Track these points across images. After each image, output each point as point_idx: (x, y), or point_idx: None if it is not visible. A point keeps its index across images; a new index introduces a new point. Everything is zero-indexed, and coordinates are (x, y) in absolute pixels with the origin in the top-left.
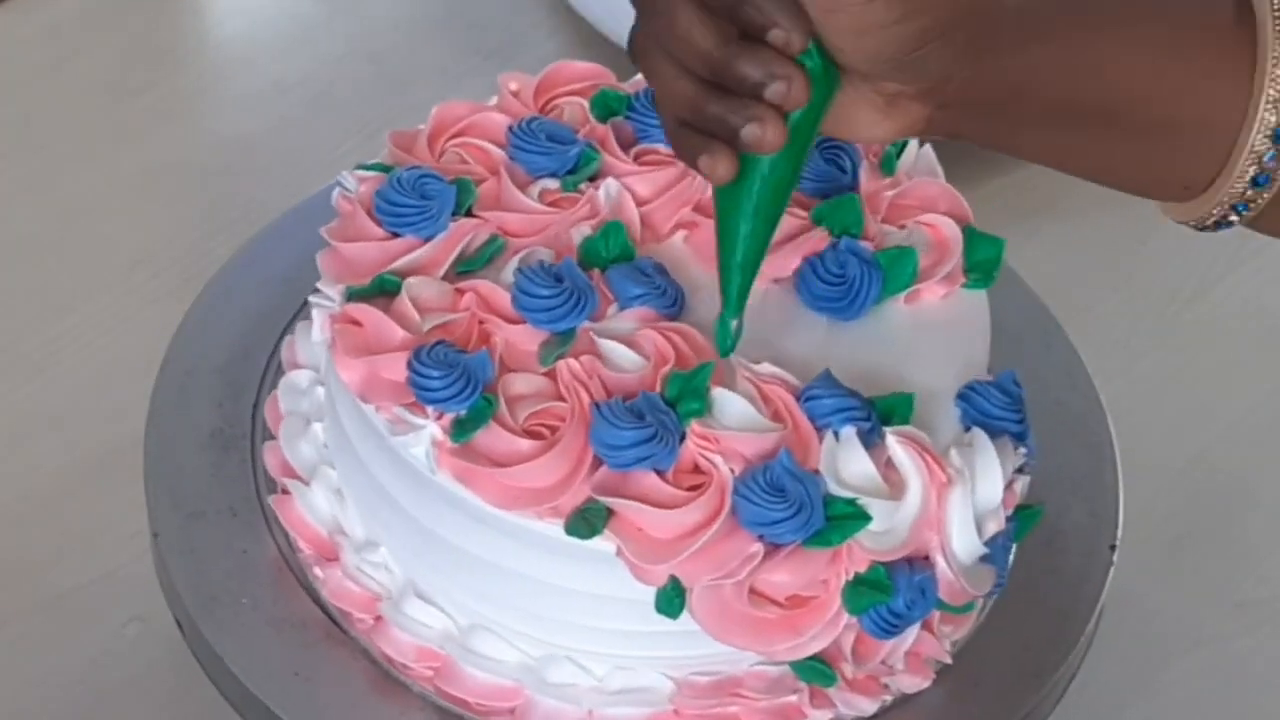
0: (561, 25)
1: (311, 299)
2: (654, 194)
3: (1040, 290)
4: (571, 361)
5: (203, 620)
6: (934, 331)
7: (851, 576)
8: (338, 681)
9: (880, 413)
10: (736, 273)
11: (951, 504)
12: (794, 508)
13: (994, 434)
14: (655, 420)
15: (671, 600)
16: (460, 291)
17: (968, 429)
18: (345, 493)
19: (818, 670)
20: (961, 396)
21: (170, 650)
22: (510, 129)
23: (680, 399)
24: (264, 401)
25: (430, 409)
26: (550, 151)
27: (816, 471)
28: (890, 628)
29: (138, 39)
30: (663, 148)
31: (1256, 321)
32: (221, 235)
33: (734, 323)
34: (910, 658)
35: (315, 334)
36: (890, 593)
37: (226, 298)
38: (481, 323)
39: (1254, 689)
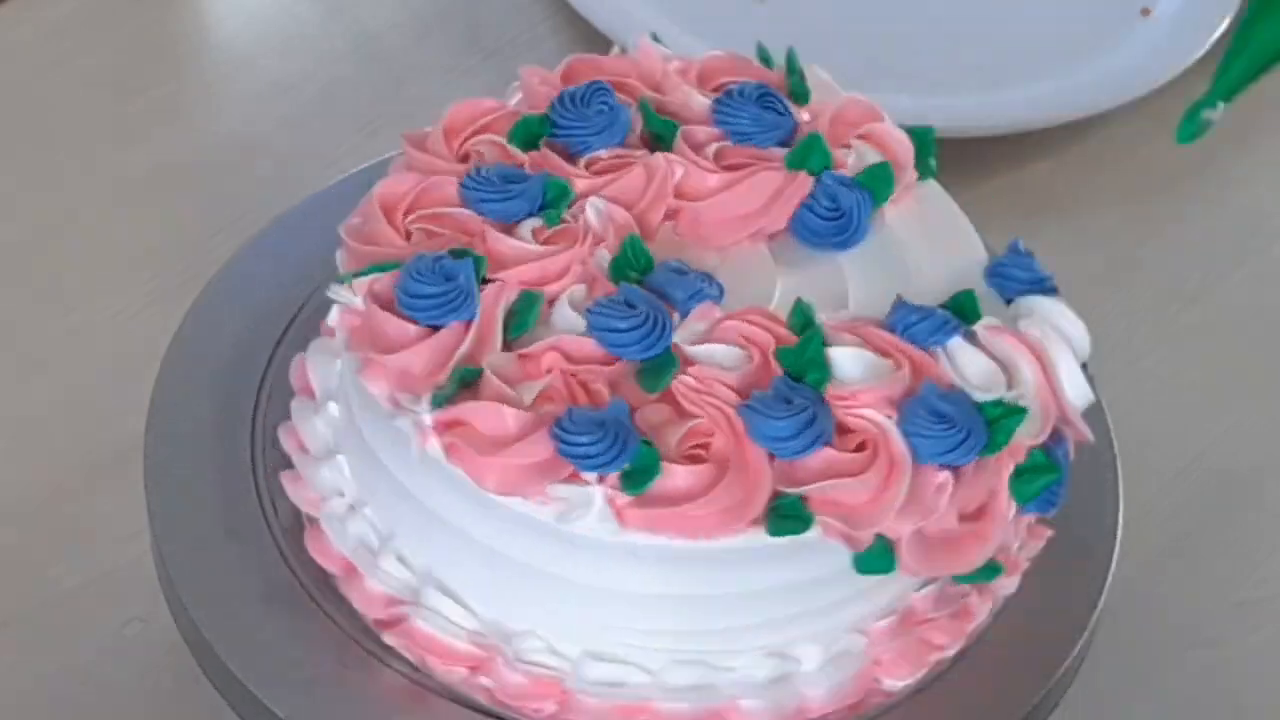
0: (562, 25)
1: (401, 425)
2: (636, 196)
3: None
4: (684, 378)
5: (201, 619)
6: (923, 232)
7: (1013, 470)
8: (336, 679)
9: (956, 315)
10: (1244, 58)
11: (1058, 364)
12: (963, 428)
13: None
14: (803, 401)
15: (881, 556)
16: (526, 357)
17: (1009, 302)
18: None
19: (991, 569)
20: (993, 274)
21: (170, 650)
22: (464, 187)
23: (804, 371)
24: (264, 400)
25: (592, 475)
26: (515, 194)
27: (955, 388)
28: (1053, 500)
29: (138, 39)
30: (603, 152)
31: (1256, 321)
32: (222, 234)
33: (1214, 113)
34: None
35: (417, 452)
36: (1059, 469)
37: (227, 297)
38: (573, 375)
39: (1254, 689)
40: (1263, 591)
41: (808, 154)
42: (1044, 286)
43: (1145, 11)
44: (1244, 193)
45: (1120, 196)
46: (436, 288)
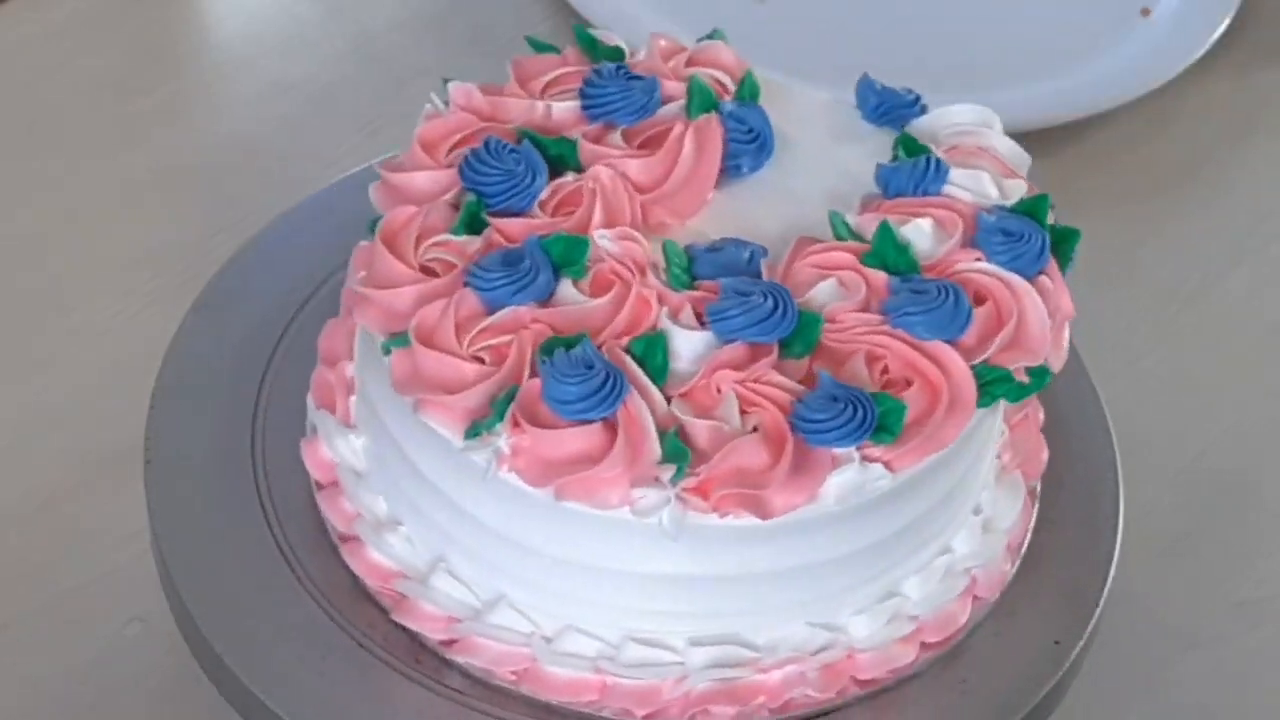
0: (562, 25)
1: (631, 516)
2: (620, 213)
3: None
4: (825, 327)
5: (203, 620)
6: (793, 116)
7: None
8: (339, 679)
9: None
10: None
11: (994, 145)
12: (1034, 237)
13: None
14: (931, 287)
15: (1040, 374)
16: (690, 394)
17: (902, 129)
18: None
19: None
20: (879, 116)
21: (171, 650)
22: (481, 290)
23: (898, 264)
24: (265, 399)
25: (850, 448)
26: (529, 270)
27: (992, 210)
28: (1073, 258)
29: (138, 40)
30: (544, 194)
31: (1256, 321)
32: (222, 235)
33: None
34: None
35: (670, 528)
36: (1077, 230)
37: (227, 298)
38: (743, 381)
39: (1254, 689)
40: (1263, 591)
41: (697, 98)
42: (920, 106)
43: (1145, 12)
44: (1243, 193)
45: (1120, 196)
46: (588, 383)
